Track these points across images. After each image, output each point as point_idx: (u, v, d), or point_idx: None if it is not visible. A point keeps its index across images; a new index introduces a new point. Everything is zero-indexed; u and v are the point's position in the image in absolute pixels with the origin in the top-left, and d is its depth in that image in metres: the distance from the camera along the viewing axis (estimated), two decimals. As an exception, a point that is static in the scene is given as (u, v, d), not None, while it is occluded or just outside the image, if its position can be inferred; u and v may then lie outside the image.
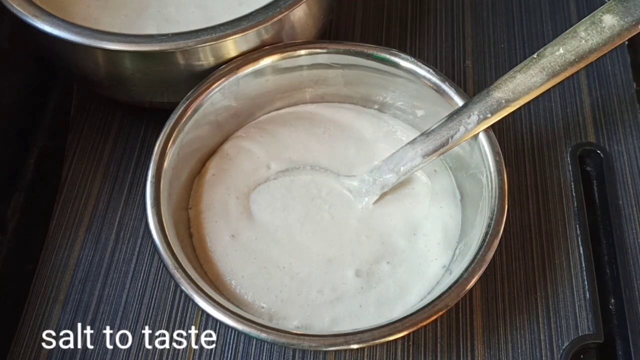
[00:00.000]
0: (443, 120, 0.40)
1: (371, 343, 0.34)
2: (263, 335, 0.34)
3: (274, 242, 0.42)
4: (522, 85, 0.39)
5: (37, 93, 0.53)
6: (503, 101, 0.39)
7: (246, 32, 0.41)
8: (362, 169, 0.44)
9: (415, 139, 0.41)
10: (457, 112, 0.40)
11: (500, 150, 0.40)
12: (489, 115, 0.39)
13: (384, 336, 0.34)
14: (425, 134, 0.41)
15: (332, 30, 0.55)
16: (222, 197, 0.43)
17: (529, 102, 0.39)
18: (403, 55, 0.43)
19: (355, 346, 0.34)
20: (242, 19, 0.41)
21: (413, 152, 0.41)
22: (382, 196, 0.44)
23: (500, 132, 0.50)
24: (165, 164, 0.39)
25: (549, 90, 0.39)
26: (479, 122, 0.39)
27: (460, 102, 0.41)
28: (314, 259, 0.41)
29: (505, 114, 0.39)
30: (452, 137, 0.40)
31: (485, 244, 0.37)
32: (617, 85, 0.52)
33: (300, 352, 0.42)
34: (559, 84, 0.39)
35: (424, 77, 0.43)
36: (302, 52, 0.44)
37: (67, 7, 0.45)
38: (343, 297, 0.40)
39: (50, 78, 0.54)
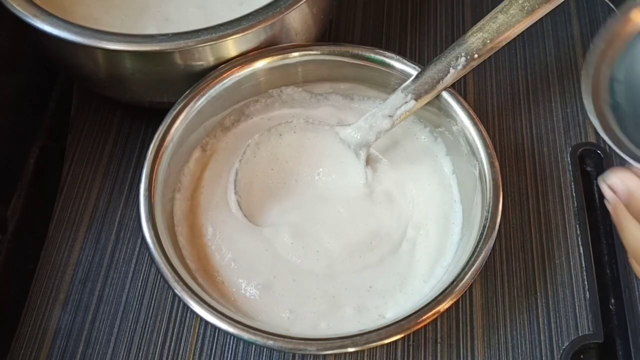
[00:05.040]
0: (431, 64, 0.41)
1: (366, 346, 0.34)
2: (270, 343, 0.34)
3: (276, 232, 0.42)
4: (504, 24, 0.40)
5: (37, 93, 0.53)
6: (488, 41, 0.41)
7: (246, 32, 0.41)
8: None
9: (406, 83, 0.42)
10: (444, 55, 0.41)
11: (491, 143, 0.40)
12: (475, 56, 0.41)
13: (381, 339, 0.34)
14: (416, 78, 0.42)
15: (332, 30, 0.55)
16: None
17: (509, 41, 0.41)
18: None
19: (351, 349, 0.34)
20: (242, 19, 0.41)
21: (405, 96, 0.42)
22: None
23: (500, 132, 0.50)
24: (161, 163, 0.40)
25: (527, 27, 0.41)
26: (467, 62, 0.41)
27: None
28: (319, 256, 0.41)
29: (491, 53, 0.41)
30: (442, 79, 0.41)
31: (483, 237, 0.37)
32: (617, 85, 0.52)
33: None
34: (536, 21, 0.41)
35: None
36: (296, 54, 0.44)
37: (67, 7, 0.45)
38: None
39: (50, 78, 0.54)
